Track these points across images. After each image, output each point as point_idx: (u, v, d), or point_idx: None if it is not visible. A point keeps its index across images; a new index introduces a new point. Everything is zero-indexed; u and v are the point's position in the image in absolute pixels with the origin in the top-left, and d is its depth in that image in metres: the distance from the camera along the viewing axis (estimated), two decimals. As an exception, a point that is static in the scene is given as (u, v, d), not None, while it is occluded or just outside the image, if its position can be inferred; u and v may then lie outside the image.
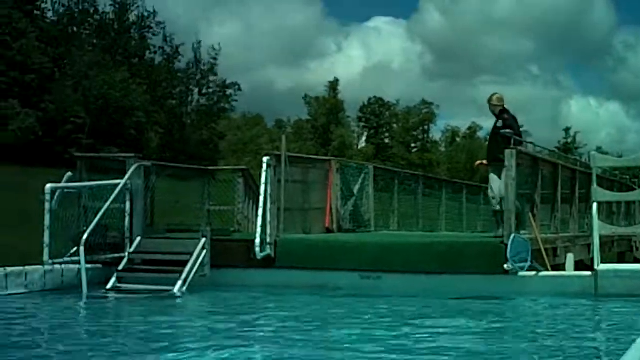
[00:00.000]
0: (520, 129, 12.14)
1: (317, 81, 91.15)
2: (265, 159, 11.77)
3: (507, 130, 11.50)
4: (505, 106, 11.99)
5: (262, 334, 7.93)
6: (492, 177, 11.78)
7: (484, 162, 12.47)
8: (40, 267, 10.65)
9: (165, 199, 13.81)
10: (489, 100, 12.07)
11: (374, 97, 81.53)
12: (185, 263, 10.98)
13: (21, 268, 10.44)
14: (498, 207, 11.50)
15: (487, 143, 13.16)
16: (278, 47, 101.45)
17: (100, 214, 11.23)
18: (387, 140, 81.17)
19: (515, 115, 12.06)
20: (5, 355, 6.36)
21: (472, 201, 21.47)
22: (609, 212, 17.07)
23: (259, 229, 11.27)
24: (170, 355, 6.39)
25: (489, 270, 10.32)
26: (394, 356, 6.38)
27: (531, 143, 14.19)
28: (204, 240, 11.32)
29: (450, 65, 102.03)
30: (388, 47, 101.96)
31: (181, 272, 10.81)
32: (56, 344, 7.23)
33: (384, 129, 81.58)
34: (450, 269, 10.62)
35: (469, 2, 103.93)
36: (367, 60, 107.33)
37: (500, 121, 11.85)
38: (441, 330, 7.80)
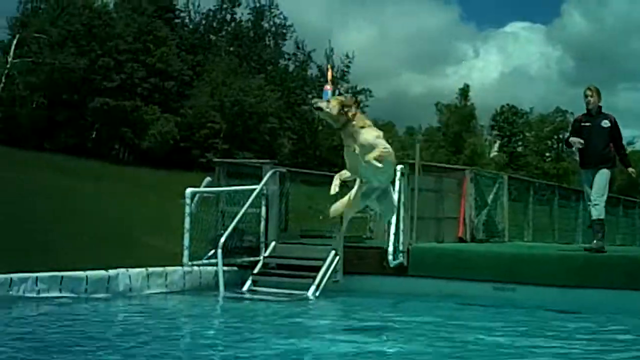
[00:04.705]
0: None
1: (453, 87, 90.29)
2: (399, 167, 11.76)
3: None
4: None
5: (394, 340, 7.98)
6: (589, 180, 11.31)
7: None
8: (179, 268, 11.02)
9: (298, 205, 14.02)
10: (590, 94, 11.30)
11: (507, 104, 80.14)
12: (318, 268, 11.11)
13: (162, 269, 10.82)
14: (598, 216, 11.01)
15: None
16: (413, 53, 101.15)
17: (237, 218, 11.51)
18: (520, 149, 79.53)
19: None
20: (166, 346, 6.74)
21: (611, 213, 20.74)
22: None
23: (391, 237, 11.25)
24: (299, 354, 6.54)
25: (630, 286, 9.95)
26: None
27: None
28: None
29: (591, 70, 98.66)
30: (526, 53, 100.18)
31: (314, 277, 10.96)
32: (199, 338, 7.61)
33: (517, 137, 79.98)
34: (588, 283, 10.31)
35: (617, 5, 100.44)
36: (504, 65, 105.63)
37: (606, 121, 11.21)
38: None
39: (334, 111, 6.76)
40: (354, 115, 6.81)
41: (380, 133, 6.90)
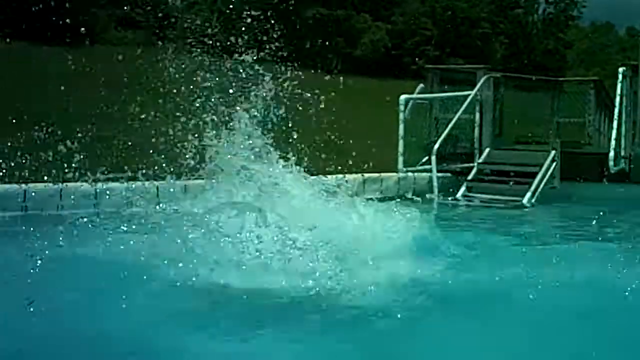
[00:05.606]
0: None
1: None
2: (620, 69, 11.31)
3: None
4: None
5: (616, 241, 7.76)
6: None
7: None
8: (394, 174, 11.21)
9: (512, 110, 13.76)
10: None
11: None
12: (534, 175, 10.95)
13: (377, 175, 11.05)
14: None
15: None
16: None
17: (451, 124, 11.52)
18: None
19: None
20: None
21: None
22: None
23: (613, 142, 10.89)
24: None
25: None
26: None
27: None
28: (553, 152, 11.19)
29: None
30: None
31: (530, 184, 10.82)
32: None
33: None
34: None
35: None
36: None
37: None
38: None
39: None
40: None
41: None
